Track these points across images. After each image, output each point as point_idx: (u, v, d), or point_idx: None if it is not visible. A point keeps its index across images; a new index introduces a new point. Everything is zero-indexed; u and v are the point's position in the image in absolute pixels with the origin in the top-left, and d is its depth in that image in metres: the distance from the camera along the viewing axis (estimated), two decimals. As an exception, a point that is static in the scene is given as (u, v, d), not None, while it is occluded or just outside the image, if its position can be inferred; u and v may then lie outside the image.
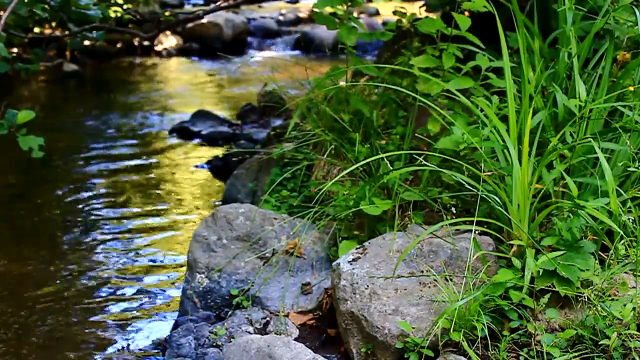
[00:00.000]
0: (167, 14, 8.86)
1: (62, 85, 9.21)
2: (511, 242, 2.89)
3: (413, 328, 2.74)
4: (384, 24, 6.09)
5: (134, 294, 4.12)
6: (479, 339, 2.64)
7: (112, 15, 9.23)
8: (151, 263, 4.50)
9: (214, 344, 3.19)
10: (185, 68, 10.47)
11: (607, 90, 3.31)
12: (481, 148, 3.12)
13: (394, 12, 4.68)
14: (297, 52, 11.46)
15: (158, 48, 11.06)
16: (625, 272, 2.79)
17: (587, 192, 3.06)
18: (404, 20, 4.70)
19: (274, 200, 4.03)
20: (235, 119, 7.50)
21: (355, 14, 5.87)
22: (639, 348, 2.55)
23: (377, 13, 13.23)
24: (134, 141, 6.99)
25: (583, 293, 2.70)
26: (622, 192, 2.90)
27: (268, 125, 6.93)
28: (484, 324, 2.63)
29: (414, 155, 3.29)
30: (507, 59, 3.18)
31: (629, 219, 2.80)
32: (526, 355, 2.64)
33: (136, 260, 4.53)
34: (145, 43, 10.81)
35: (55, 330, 3.73)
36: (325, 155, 3.93)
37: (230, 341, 3.13)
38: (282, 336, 2.93)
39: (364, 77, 4.81)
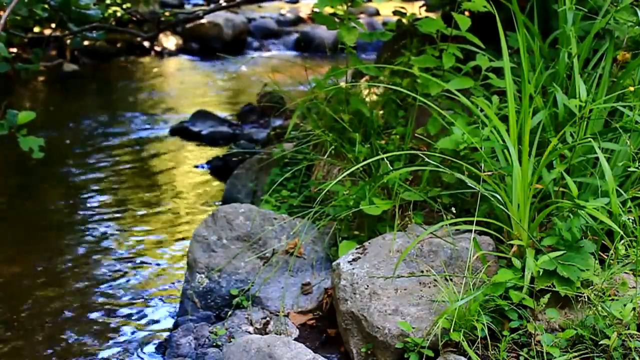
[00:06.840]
0: (167, 14, 8.85)
1: (62, 85, 9.20)
2: (511, 242, 2.89)
3: (413, 328, 2.74)
4: (384, 24, 6.09)
5: (134, 293, 4.12)
6: (479, 339, 2.64)
7: (112, 13, 9.23)
8: (151, 263, 4.50)
9: (214, 344, 3.19)
10: (185, 68, 10.46)
11: (607, 90, 3.32)
12: (481, 148, 3.12)
13: (394, 12, 4.69)
14: (297, 52, 11.45)
15: (158, 48, 11.05)
16: (625, 272, 2.79)
17: (587, 192, 3.06)
18: (404, 20, 4.70)
19: (274, 200, 4.03)
20: (235, 119, 7.49)
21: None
22: (639, 348, 2.55)
23: (377, 13, 13.22)
24: (134, 141, 6.99)
25: (583, 293, 2.70)
26: (622, 192, 2.90)
27: (268, 125, 6.92)
28: (484, 324, 2.63)
29: (414, 155, 3.29)
30: (507, 59, 3.18)
31: (629, 219, 2.80)
32: (526, 355, 2.64)
33: (136, 260, 4.53)
34: (145, 43, 10.80)
35: (55, 330, 3.73)
36: (325, 156, 3.93)
37: (230, 341, 3.13)
38: (282, 336, 2.93)
39: (364, 77, 4.82)
